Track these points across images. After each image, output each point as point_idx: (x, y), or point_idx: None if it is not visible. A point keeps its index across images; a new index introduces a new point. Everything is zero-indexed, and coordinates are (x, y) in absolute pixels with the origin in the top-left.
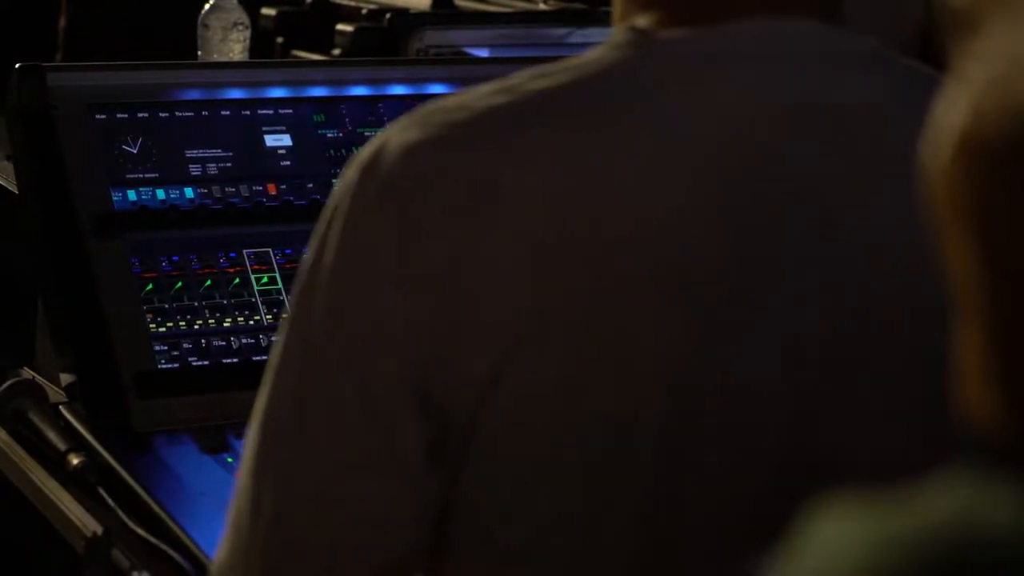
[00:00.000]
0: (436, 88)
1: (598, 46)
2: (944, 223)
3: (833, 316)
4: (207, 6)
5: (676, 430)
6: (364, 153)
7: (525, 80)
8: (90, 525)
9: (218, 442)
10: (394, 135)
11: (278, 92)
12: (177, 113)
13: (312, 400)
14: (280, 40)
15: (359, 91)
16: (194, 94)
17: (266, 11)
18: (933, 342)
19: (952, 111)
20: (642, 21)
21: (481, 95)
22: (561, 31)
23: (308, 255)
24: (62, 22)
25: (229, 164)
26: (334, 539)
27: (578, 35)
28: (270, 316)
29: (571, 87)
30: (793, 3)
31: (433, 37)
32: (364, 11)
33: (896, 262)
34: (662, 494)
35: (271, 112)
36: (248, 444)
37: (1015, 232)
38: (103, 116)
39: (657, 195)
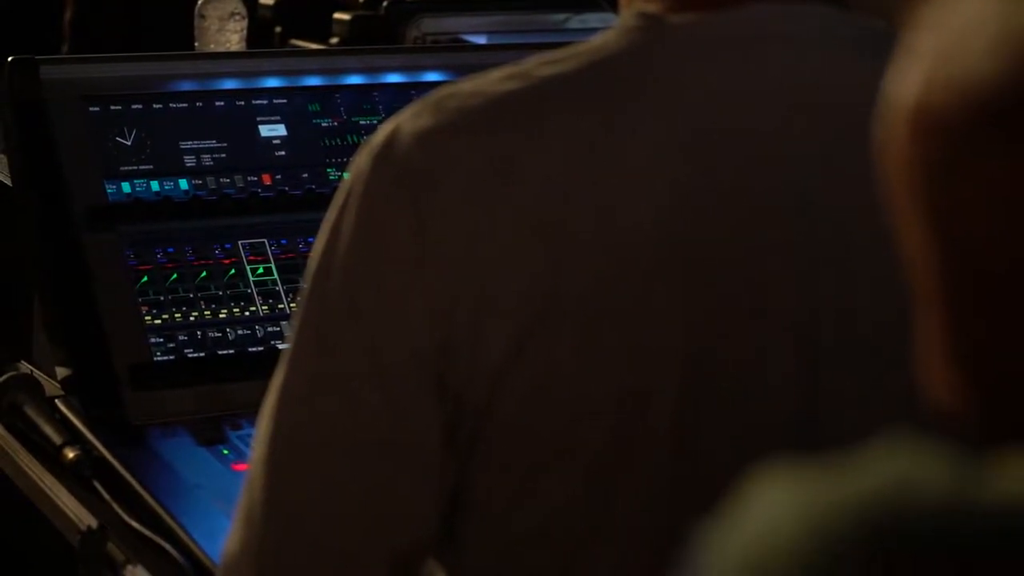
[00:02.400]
0: (432, 76)
1: (607, 31)
2: (898, 199)
3: (841, 299)
4: None
5: (689, 412)
6: (376, 140)
7: (536, 66)
8: (85, 519)
9: (214, 434)
10: (406, 122)
11: (272, 82)
12: (171, 104)
13: (328, 388)
14: (278, 29)
15: (354, 80)
16: (188, 85)
17: (264, 1)
18: None
19: (903, 84)
20: (650, 6)
21: (493, 81)
22: (559, 17)
23: (319, 242)
24: (68, 15)
25: (223, 155)
26: (352, 527)
27: (576, 21)
28: (266, 307)
29: (582, 73)
30: None
31: (430, 24)
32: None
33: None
34: (675, 474)
35: (265, 102)
36: (260, 434)
37: (965, 204)
38: (97, 108)
39: (668, 180)
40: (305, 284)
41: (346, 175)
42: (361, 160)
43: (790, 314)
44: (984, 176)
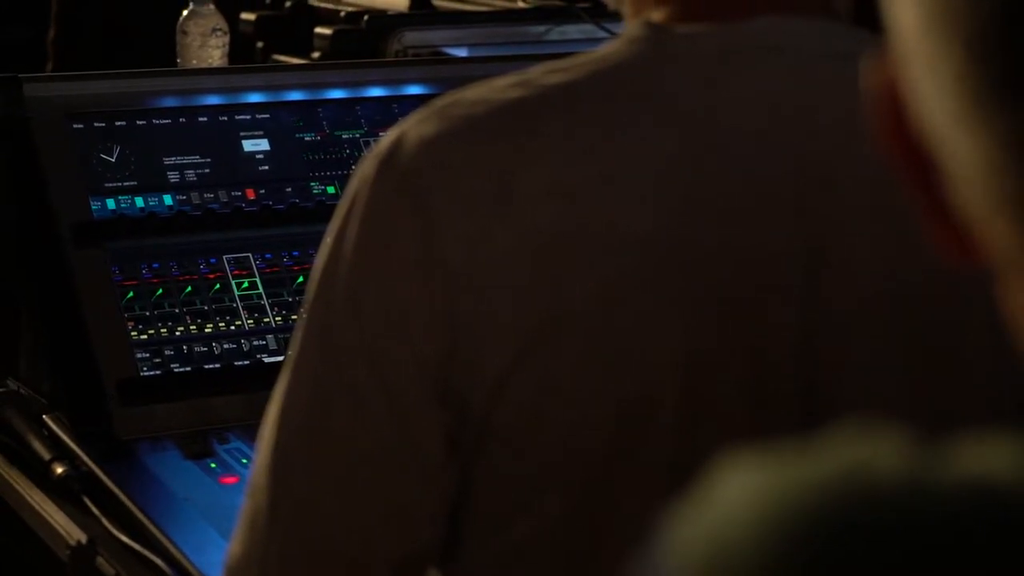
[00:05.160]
0: (414, 89)
1: (613, 40)
2: (911, 190)
3: (841, 302)
4: (185, 13)
5: (691, 418)
6: (381, 146)
7: (542, 74)
8: (74, 534)
9: (201, 448)
10: (411, 128)
11: (255, 97)
12: (154, 121)
13: (332, 393)
14: (260, 45)
15: (336, 94)
16: (171, 101)
17: (246, 16)
18: (931, 326)
19: (881, 65)
20: (656, 16)
21: (498, 89)
22: (539, 29)
23: (324, 250)
24: (51, 33)
25: (207, 170)
26: (355, 534)
27: (556, 32)
28: (251, 321)
29: (588, 82)
30: (803, 1)
31: (411, 38)
32: (342, 14)
33: (903, 248)
34: (678, 479)
35: (248, 117)
36: (263, 440)
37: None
38: (80, 125)
39: (669, 189)
40: (308, 291)
41: (330, 189)
42: (366, 166)
43: (790, 319)
44: None
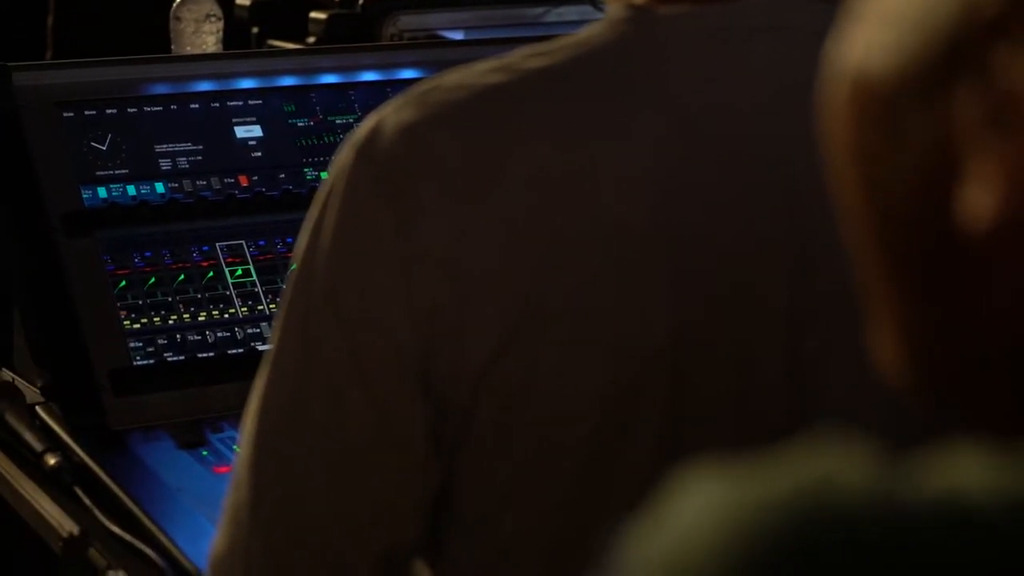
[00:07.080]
0: (408, 73)
1: (595, 23)
2: (838, 170)
3: (833, 292)
4: None
5: (680, 409)
6: (359, 134)
7: (522, 58)
8: (67, 525)
9: (194, 437)
10: (390, 115)
11: (247, 83)
12: (145, 108)
13: (312, 387)
14: (255, 30)
15: (330, 79)
16: (162, 88)
17: (240, 2)
18: None
19: (846, 47)
20: None
21: (478, 73)
22: (536, 11)
23: (302, 239)
24: (50, 20)
25: (199, 157)
26: (338, 528)
27: (553, 14)
28: (245, 309)
29: (570, 65)
30: None
31: (407, 21)
32: None
33: None
34: (662, 472)
35: (241, 103)
36: (245, 435)
37: (892, 175)
38: (71, 114)
39: (655, 176)
40: (288, 283)
41: (324, 175)
42: (344, 155)
43: (778, 306)
44: (908, 141)
